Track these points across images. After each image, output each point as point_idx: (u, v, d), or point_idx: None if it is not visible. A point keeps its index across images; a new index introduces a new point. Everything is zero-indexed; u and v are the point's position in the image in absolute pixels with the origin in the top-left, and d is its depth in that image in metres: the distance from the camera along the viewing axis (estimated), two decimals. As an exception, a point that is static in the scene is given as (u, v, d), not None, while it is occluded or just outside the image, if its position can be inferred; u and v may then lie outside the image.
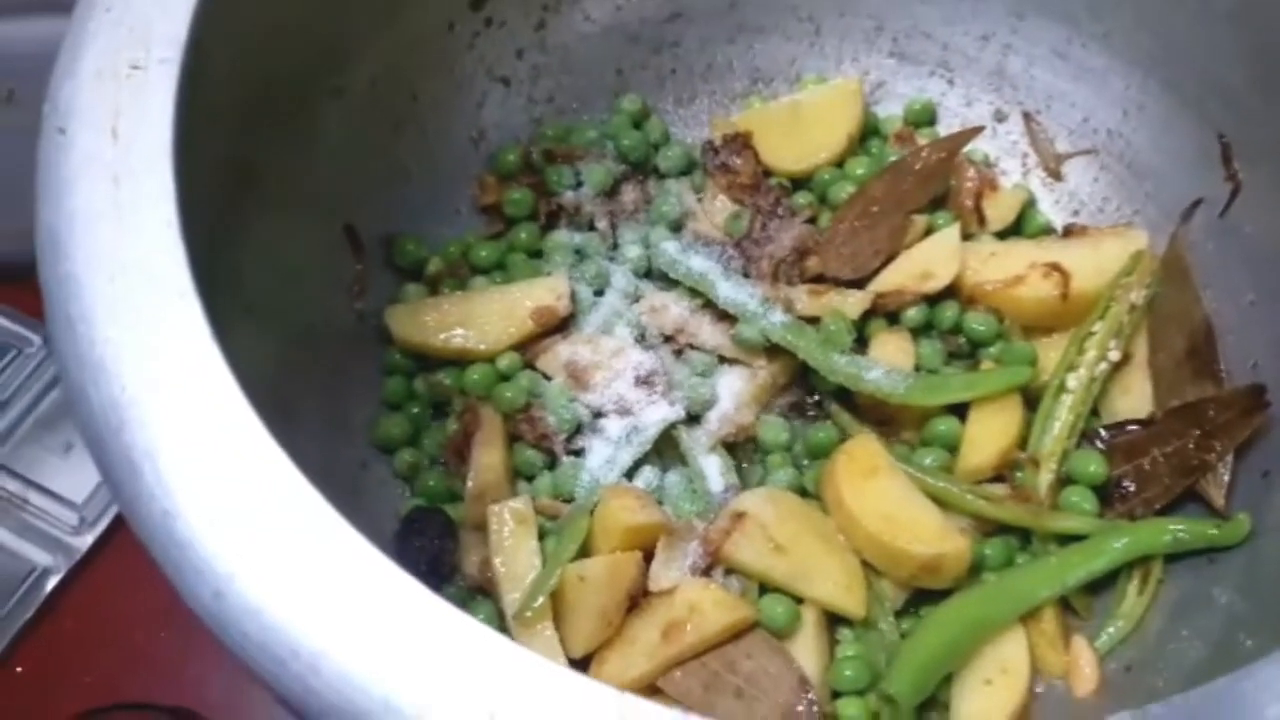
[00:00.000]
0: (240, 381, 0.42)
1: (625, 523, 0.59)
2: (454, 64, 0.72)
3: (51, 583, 0.76)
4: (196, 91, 0.42)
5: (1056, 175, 0.77)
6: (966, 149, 0.75)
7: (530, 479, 0.66)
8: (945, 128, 0.78)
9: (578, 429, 0.66)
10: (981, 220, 0.74)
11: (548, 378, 0.68)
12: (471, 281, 0.71)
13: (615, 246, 0.74)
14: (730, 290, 0.69)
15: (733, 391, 0.69)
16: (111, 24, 0.42)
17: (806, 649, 0.59)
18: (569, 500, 0.64)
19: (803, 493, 0.66)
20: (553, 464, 0.66)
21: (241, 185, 0.54)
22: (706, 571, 0.61)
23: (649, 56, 0.78)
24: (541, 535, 0.62)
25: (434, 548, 0.61)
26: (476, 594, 0.62)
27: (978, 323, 0.70)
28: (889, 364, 0.67)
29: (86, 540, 0.77)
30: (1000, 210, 0.74)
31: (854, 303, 0.69)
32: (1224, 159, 0.68)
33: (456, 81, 0.73)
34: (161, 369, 0.38)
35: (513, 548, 0.59)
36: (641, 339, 0.70)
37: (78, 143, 0.40)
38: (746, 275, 0.71)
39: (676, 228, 0.74)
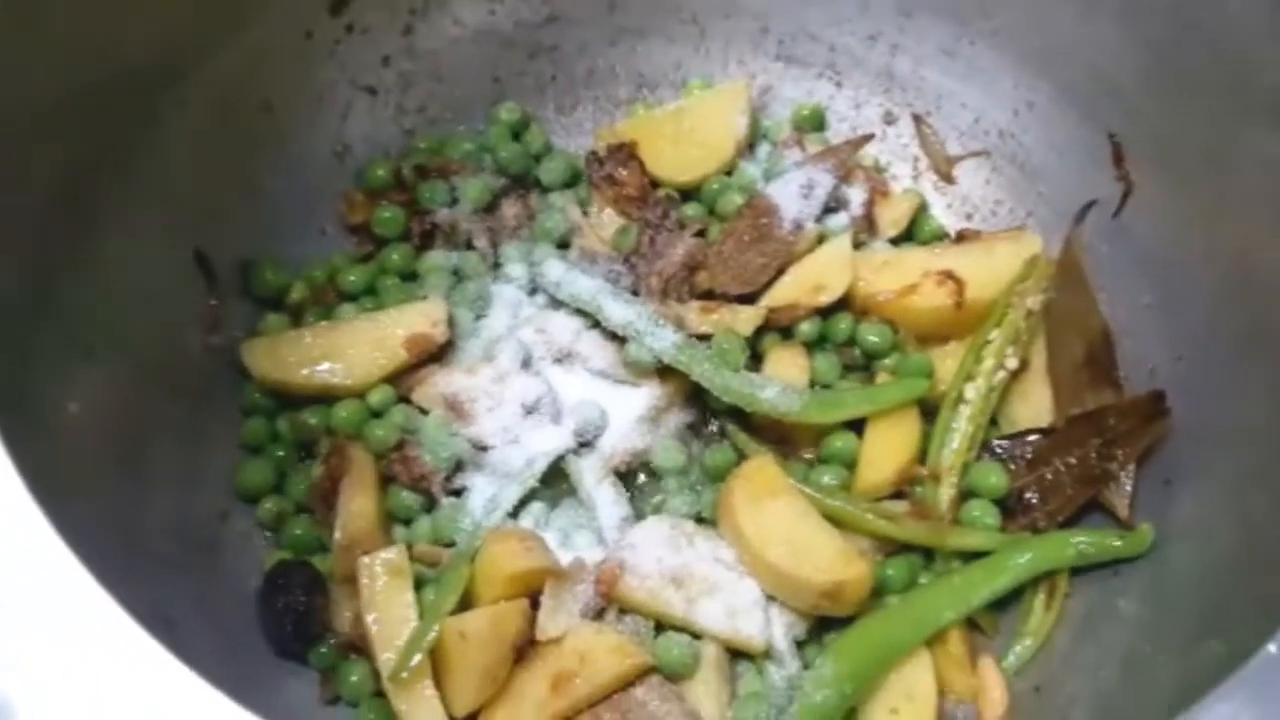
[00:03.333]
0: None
1: (508, 569, 0.55)
2: (313, 73, 0.67)
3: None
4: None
5: (948, 178, 0.75)
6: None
7: (407, 523, 0.62)
8: (834, 132, 0.76)
9: (458, 466, 0.62)
10: (873, 227, 0.72)
11: (424, 411, 0.64)
12: (339, 309, 0.66)
13: (497, 266, 0.70)
14: (619, 310, 0.65)
15: (624, 415, 0.65)
16: None
17: (706, 690, 0.56)
18: (450, 545, 0.60)
19: (700, 519, 0.63)
20: (431, 506, 0.62)
21: (69, 214, 0.48)
22: (600, 614, 0.57)
23: (526, 62, 0.74)
24: (420, 585, 0.57)
25: (300, 605, 0.56)
26: (350, 653, 0.57)
27: (872, 334, 0.67)
28: (784, 380, 0.65)
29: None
30: (892, 216, 0.72)
31: (746, 319, 0.66)
32: (1115, 158, 0.66)
33: (317, 92, 0.68)
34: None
35: (386, 602, 0.55)
36: (527, 363, 0.66)
37: None
38: (635, 293, 0.67)
39: (562, 244, 0.71)
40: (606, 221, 0.72)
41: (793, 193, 0.70)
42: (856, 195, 0.72)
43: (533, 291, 0.69)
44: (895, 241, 0.72)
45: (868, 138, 0.72)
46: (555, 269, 0.67)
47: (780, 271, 0.68)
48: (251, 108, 0.64)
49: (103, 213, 0.54)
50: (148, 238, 0.58)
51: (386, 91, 0.70)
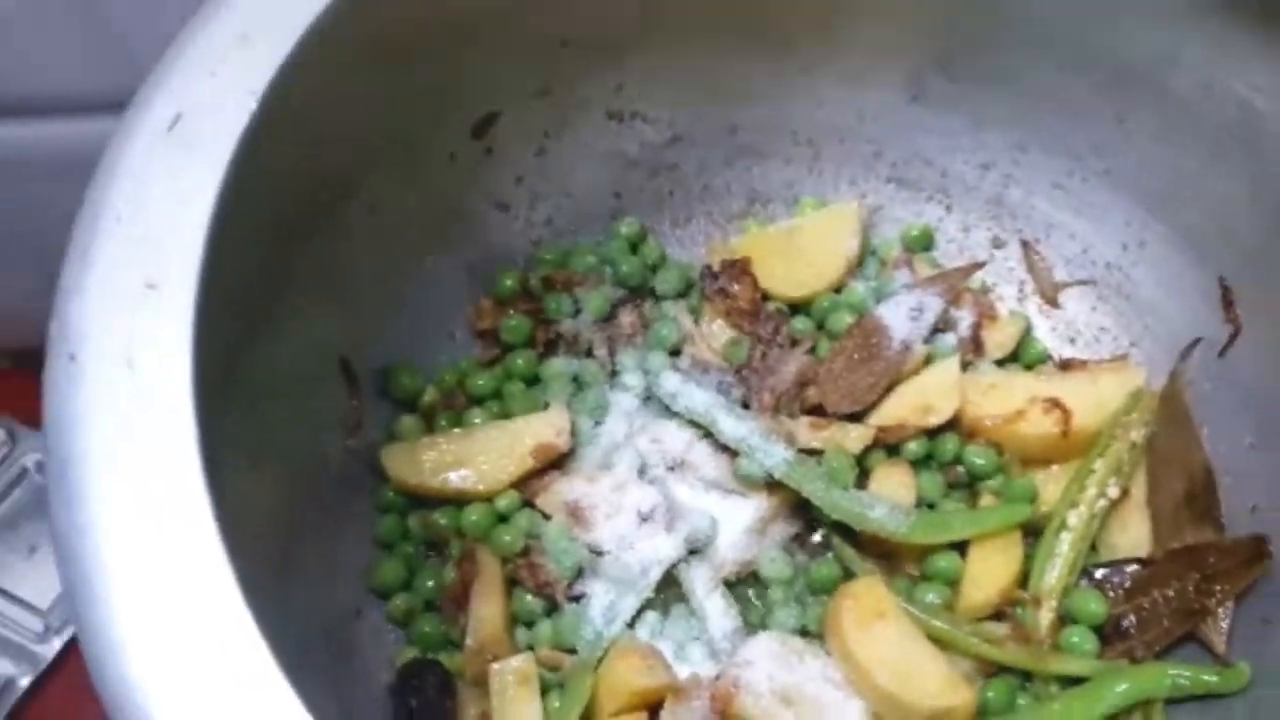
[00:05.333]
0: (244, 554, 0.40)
1: (633, 686, 0.58)
2: (454, 192, 0.71)
3: (16, 694, 0.74)
4: (212, 298, 0.41)
5: (1054, 303, 0.77)
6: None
7: (529, 625, 0.65)
8: (942, 253, 0.78)
9: (579, 572, 0.65)
10: (980, 349, 0.74)
11: (546, 516, 0.67)
12: (468, 413, 0.70)
13: (614, 373, 0.73)
14: (733, 425, 0.68)
15: (734, 525, 0.68)
16: (123, 236, 0.41)
17: (814, 813, 0.59)
18: (570, 651, 0.63)
19: (804, 631, 0.66)
20: (552, 609, 0.65)
21: (245, 354, 0.52)
22: (714, 730, 0.60)
23: (646, 180, 0.77)
24: (543, 689, 0.60)
25: (432, 706, 0.59)
26: (476, 754, 0.60)
27: (979, 457, 0.69)
28: (890, 498, 0.67)
29: (53, 647, 0.75)
30: (999, 339, 0.74)
31: (856, 438, 0.69)
32: (1224, 302, 0.68)
33: (456, 209, 0.72)
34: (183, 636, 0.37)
35: (516, 711, 0.58)
36: (642, 471, 0.70)
37: (89, 372, 0.38)
38: (746, 405, 0.70)
39: (675, 352, 0.74)
40: (717, 332, 0.75)
41: (902, 314, 0.72)
42: (965, 318, 0.74)
43: (646, 398, 0.72)
44: (1000, 362, 0.74)
45: (979, 265, 0.75)
46: (671, 381, 0.70)
47: (888, 390, 0.71)
48: (398, 226, 0.68)
49: (269, 347, 0.57)
50: (305, 355, 0.62)
51: (518, 207, 0.74)
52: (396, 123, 0.62)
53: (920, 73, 0.71)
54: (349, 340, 0.67)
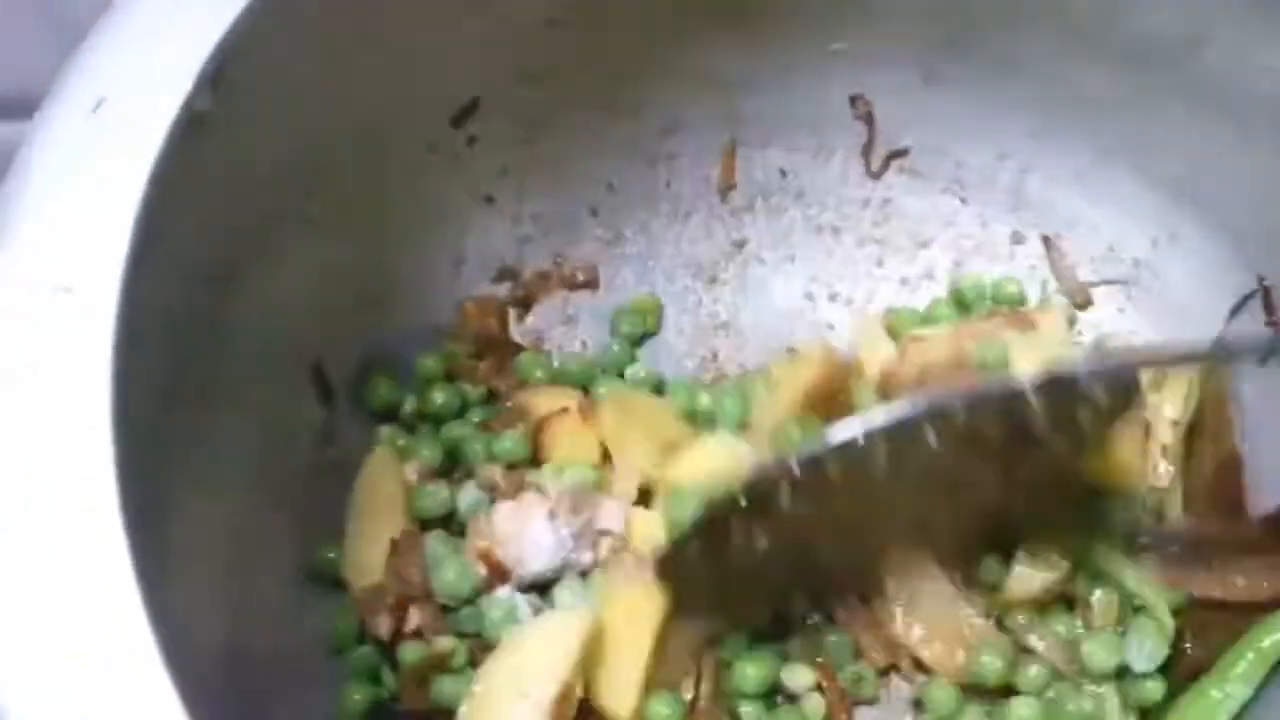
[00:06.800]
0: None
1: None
2: (434, 184, 0.66)
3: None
4: (141, 304, 0.36)
5: (1082, 305, 0.71)
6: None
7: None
8: (959, 249, 0.73)
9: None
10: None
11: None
12: (446, 427, 0.65)
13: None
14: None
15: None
16: (33, 234, 0.36)
17: None
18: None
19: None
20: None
21: (192, 362, 0.48)
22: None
23: (643, 170, 0.72)
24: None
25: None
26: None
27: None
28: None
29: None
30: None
31: None
32: (1265, 304, 0.63)
33: (437, 202, 0.67)
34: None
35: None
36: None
37: (-10, 389, 0.34)
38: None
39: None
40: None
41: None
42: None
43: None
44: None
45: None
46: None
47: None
48: (373, 220, 0.63)
49: (223, 336, 0.52)
50: (271, 351, 0.57)
51: (504, 200, 0.69)
52: (364, 107, 0.56)
53: (932, 55, 0.66)
54: (320, 343, 0.62)
